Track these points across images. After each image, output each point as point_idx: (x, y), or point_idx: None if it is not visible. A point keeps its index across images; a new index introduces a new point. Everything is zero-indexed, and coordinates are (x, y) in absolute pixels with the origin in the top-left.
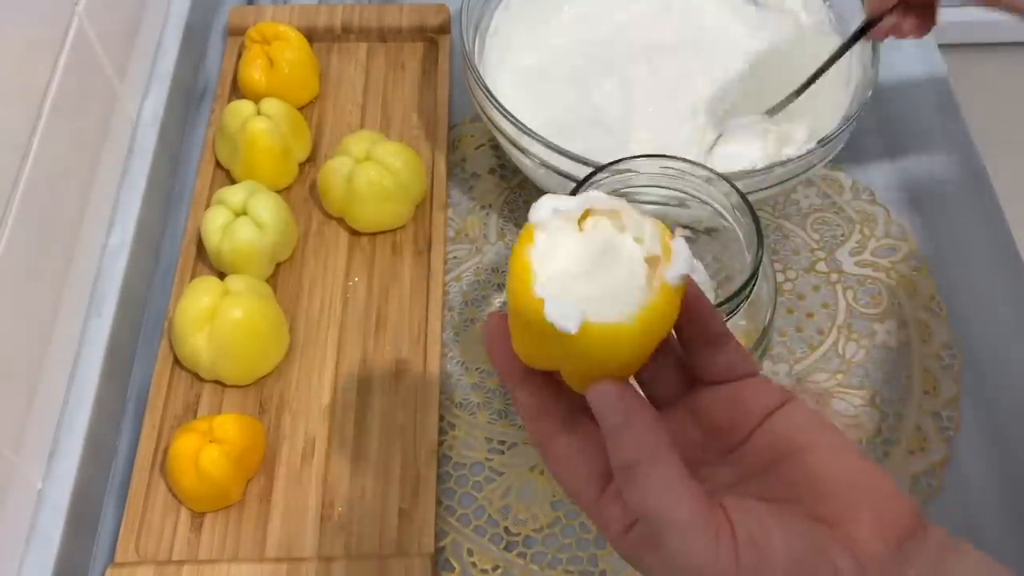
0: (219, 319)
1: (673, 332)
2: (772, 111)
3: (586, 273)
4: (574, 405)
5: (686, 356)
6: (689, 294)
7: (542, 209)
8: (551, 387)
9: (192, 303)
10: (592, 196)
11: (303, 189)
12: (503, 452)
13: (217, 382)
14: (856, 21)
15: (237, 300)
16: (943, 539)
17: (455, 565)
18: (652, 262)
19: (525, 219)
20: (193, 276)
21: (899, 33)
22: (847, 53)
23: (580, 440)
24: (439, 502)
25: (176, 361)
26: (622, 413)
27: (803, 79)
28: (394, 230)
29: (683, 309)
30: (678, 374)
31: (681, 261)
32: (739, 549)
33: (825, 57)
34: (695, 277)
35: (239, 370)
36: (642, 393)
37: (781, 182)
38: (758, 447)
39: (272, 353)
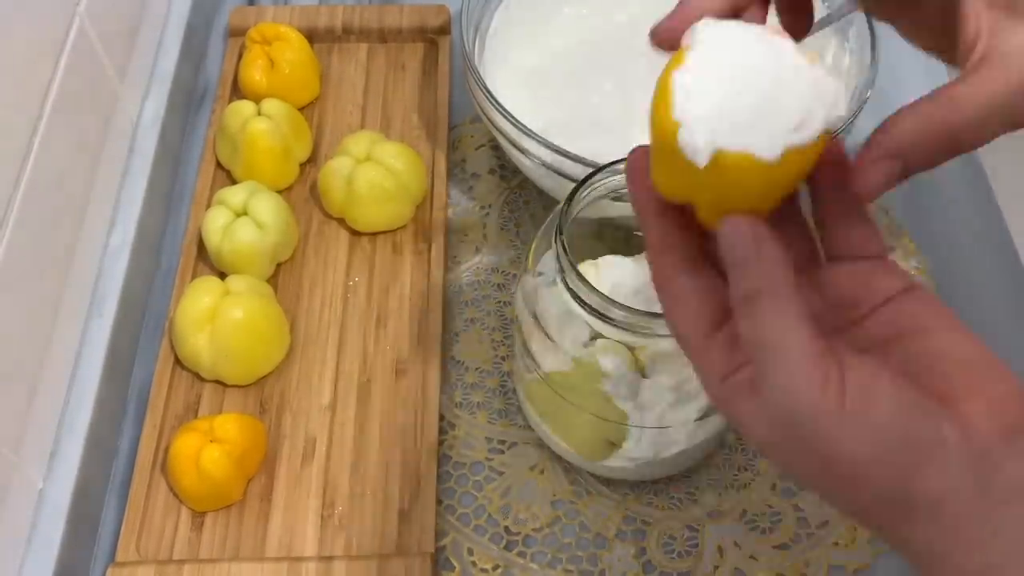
0: (220, 319)
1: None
2: None
3: (735, 96)
4: (701, 248)
5: (818, 225)
6: (834, 151)
7: (700, 27)
8: (682, 224)
9: (193, 303)
10: (756, 26)
11: (304, 189)
12: (503, 452)
13: (218, 382)
14: (856, 21)
15: (238, 300)
16: None
17: (455, 565)
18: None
19: (525, 219)
20: (194, 276)
21: None
22: (847, 55)
23: (700, 282)
24: (439, 502)
25: (177, 361)
26: (752, 244)
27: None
28: (394, 230)
29: (827, 167)
30: (804, 243)
31: (841, 106)
32: (846, 394)
33: (826, 59)
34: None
35: (240, 370)
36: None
37: None
38: (880, 323)
39: (273, 353)
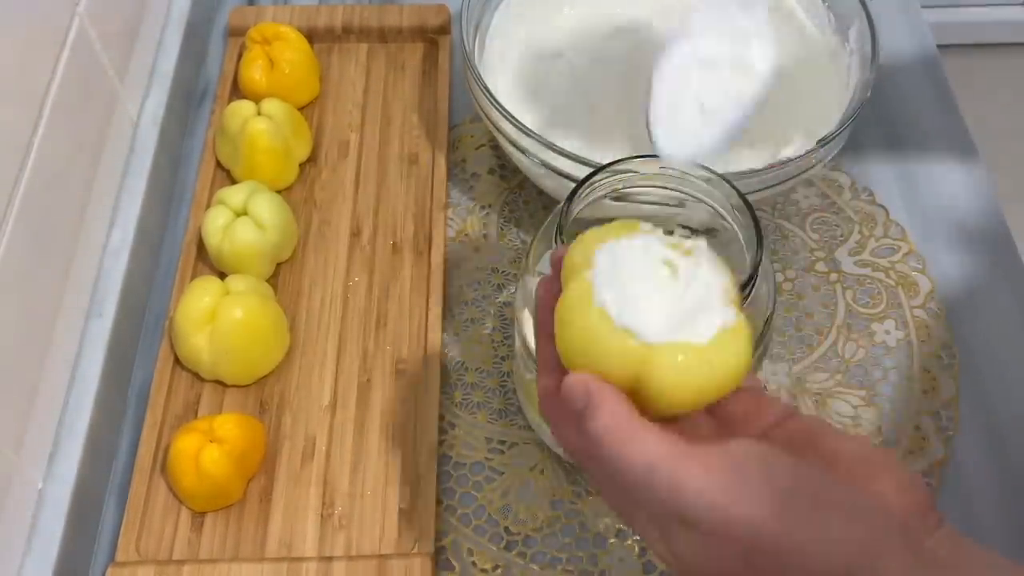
0: (220, 319)
1: None
2: None
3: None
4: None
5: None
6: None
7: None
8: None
9: (193, 303)
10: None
11: (304, 189)
12: (503, 452)
13: (218, 382)
14: (856, 21)
15: (238, 300)
16: (954, 530)
17: (455, 565)
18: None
19: (525, 219)
20: (194, 276)
21: None
22: (847, 55)
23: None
24: (439, 502)
25: (177, 361)
26: (583, 397)
27: (803, 79)
28: (394, 230)
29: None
30: None
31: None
32: (735, 467)
33: (826, 58)
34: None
35: (240, 370)
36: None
37: (781, 182)
38: (773, 439)
39: (273, 353)
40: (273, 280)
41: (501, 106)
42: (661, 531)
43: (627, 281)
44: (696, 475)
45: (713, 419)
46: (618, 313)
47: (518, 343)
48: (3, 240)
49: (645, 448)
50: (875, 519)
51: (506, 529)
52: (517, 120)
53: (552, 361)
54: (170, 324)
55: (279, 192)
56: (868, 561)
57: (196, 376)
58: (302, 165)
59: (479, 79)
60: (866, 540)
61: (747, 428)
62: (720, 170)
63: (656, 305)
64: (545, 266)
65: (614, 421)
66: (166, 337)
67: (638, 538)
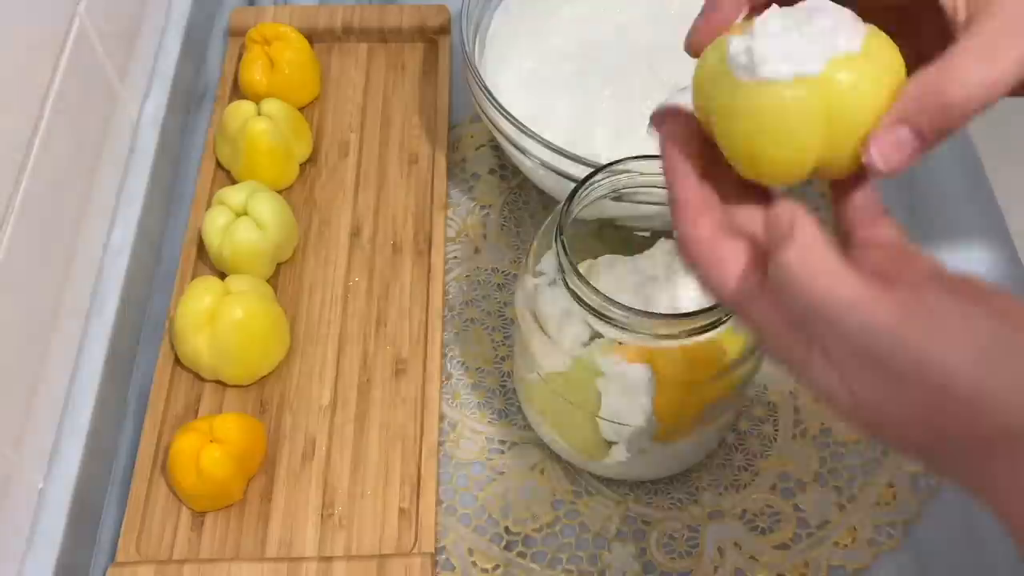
0: (220, 319)
1: None
2: None
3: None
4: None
5: (843, 224)
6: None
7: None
8: (716, 185)
9: (193, 303)
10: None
11: (304, 189)
12: (503, 452)
13: (218, 382)
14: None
15: (238, 300)
16: None
17: (455, 565)
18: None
19: (525, 219)
20: (194, 276)
21: None
22: None
23: (741, 243)
24: (439, 502)
25: (177, 361)
26: (787, 222)
27: None
28: (394, 230)
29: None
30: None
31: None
32: (928, 308)
33: None
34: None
35: (240, 370)
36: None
37: None
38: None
39: (273, 353)
40: (273, 280)
41: (501, 106)
42: (842, 374)
43: (760, 37)
44: (894, 313)
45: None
46: (774, 69)
47: (518, 343)
48: (3, 240)
49: (846, 283)
50: None
51: (506, 529)
52: (517, 120)
53: (697, 202)
54: (170, 324)
55: (279, 192)
56: None
57: (196, 376)
58: (302, 165)
59: (479, 79)
60: None
61: (903, 278)
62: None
63: (793, 43)
64: (545, 266)
65: (813, 253)
66: (166, 337)
67: (641, 537)
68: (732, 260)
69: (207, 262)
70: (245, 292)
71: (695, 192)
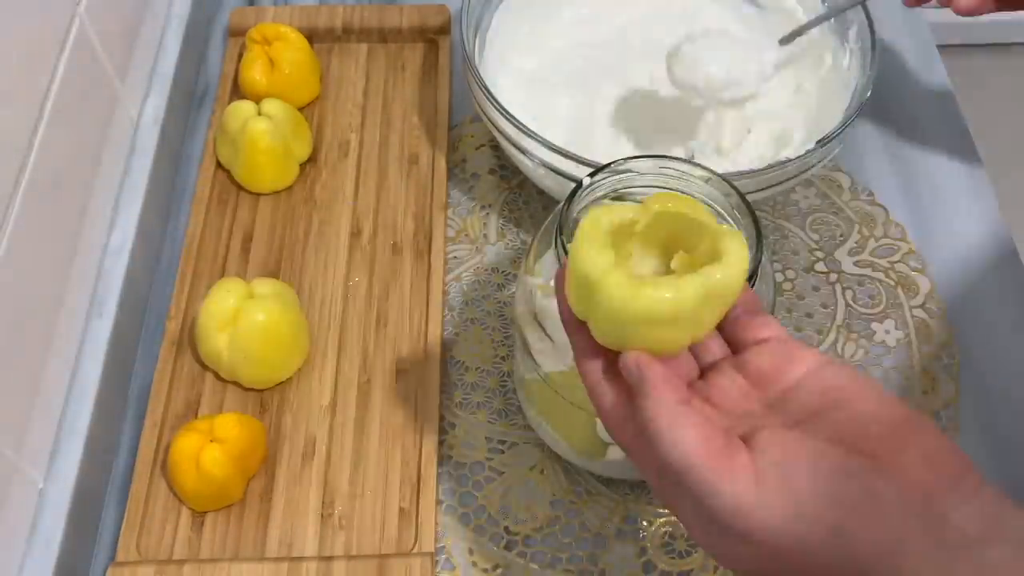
0: (241, 322)
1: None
2: (785, 39)
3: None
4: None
5: (729, 334)
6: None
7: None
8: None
9: (217, 303)
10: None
11: (304, 189)
12: (503, 452)
13: (229, 383)
14: (855, 21)
15: (261, 304)
16: (999, 492)
17: (455, 565)
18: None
19: (525, 219)
20: (194, 277)
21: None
22: (847, 55)
23: (622, 388)
24: (439, 502)
25: (177, 360)
26: (636, 374)
27: (802, 79)
28: (395, 230)
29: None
30: (721, 341)
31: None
32: (759, 479)
33: (826, 59)
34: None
35: (257, 374)
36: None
37: (780, 182)
38: (807, 393)
39: (291, 359)
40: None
41: (501, 106)
42: (702, 527)
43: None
44: (726, 480)
45: (747, 376)
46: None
47: (518, 343)
48: (3, 240)
49: (685, 442)
50: (892, 509)
51: (506, 529)
52: (517, 120)
53: (589, 347)
54: (193, 322)
55: (279, 192)
56: (885, 561)
57: (196, 376)
58: (302, 165)
59: (479, 79)
60: (881, 539)
61: (780, 380)
62: (720, 170)
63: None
64: (545, 266)
65: (661, 404)
66: (167, 337)
67: (641, 537)
68: (615, 411)
69: (207, 262)
70: (268, 296)
71: (585, 339)
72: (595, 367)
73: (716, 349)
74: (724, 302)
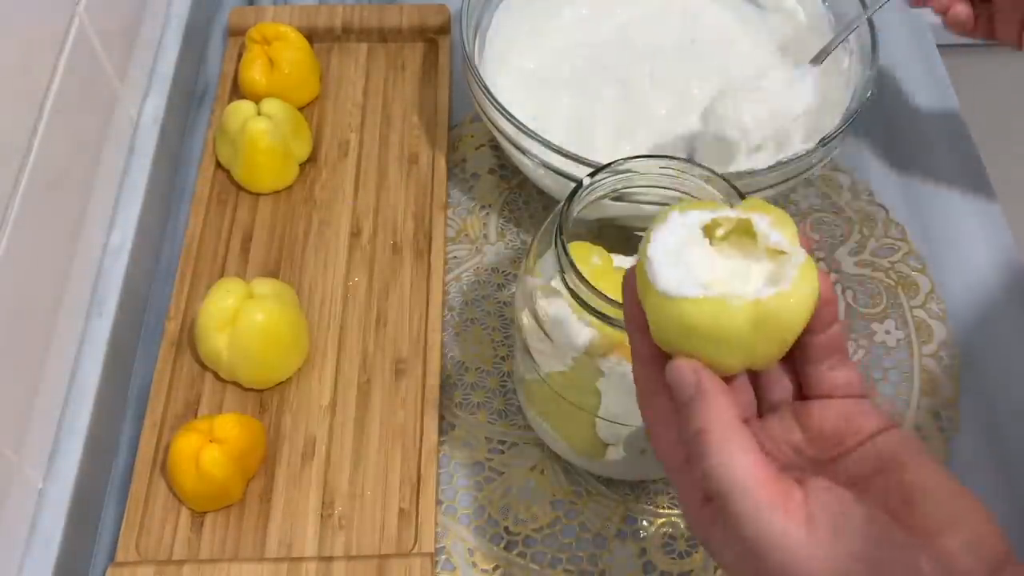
0: (241, 322)
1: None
2: (816, 59)
3: (711, 264)
4: None
5: (801, 366)
6: (823, 298)
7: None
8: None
9: (216, 303)
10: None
11: (304, 189)
12: (503, 452)
13: (231, 382)
14: (855, 21)
15: (260, 305)
16: None
17: (455, 565)
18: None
19: (525, 219)
20: (193, 277)
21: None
22: (847, 55)
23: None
24: (439, 502)
25: (177, 360)
26: (693, 387)
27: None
28: (395, 230)
29: (817, 310)
30: (789, 381)
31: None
32: (814, 519)
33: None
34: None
35: (256, 374)
36: (751, 391)
37: (781, 182)
38: (861, 459)
39: (291, 360)
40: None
41: (501, 106)
42: (737, 559)
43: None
44: (778, 510)
45: (805, 431)
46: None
47: (518, 343)
48: (3, 240)
49: (739, 461)
50: None
51: (506, 529)
52: (517, 120)
53: (645, 353)
54: (193, 322)
55: (278, 192)
56: None
57: (197, 376)
58: (302, 165)
59: (479, 79)
60: None
61: (839, 445)
62: (720, 170)
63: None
64: (545, 266)
65: (717, 417)
66: (166, 336)
67: (641, 537)
68: (666, 432)
69: (207, 262)
70: (268, 296)
71: (645, 343)
72: (648, 375)
73: (779, 389)
74: (782, 334)
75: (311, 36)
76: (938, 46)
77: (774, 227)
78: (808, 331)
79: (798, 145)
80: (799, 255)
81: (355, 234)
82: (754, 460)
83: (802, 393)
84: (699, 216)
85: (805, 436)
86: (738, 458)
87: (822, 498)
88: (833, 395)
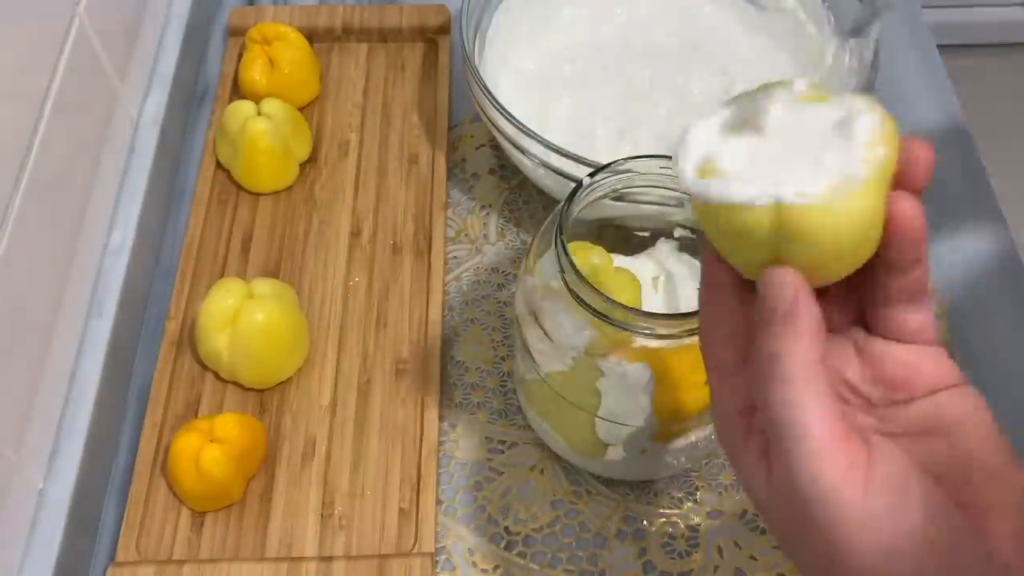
0: (241, 321)
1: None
2: (854, 31)
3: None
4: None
5: (879, 300)
6: (904, 214)
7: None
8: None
9: (216, 303)
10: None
11: (304, 189)
12: (503, 452)
13: (229, 382)
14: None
15: (260, 305)
16: None
17: (455, 565)
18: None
19: (525, 219)
20: (194, 277)
21: None
22: (847, 55)
23: (743, 308)
24: (439, 502)
25: (177, 360)
26: (788, 301)
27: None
28: (395, 230)
29: (894, 234)
30: (852, 305)
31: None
32: (870, 486)
33: (826, 59)
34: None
35: (257, 374)
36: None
37: None
38: (919, 412)
39: (291, 360)
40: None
41: (501, 106)
42: (778, 509)
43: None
44: (839, 467)
45: (863, 371)
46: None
47: (518, 343)
48: (3, 240)
49: (810, 409)
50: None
51: (506, 529)
52: (517, 120)
53: (709, 274)
54: (193, 322)
55: (278, 192)
56: None
57: (196, 376)
58: (302, 165)
59: (479, 79)
60: None
61: (903, 390)
62: None
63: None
64: (545, 266)
65: (800, 350)
66: (166, 336)
67: (641, 537)
68: (717, 322)
69: (207, 263)
70: (268, 296)
71: (710, 267)
72: (715, 269)
73: (838, 311)
74: (820, 252)
75: (311, 36)
76: (938, 46)
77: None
78: (886, 265)
79: None
80: (871, 157)
81: (355, 234)
82: (829, 411)
83: (866, 325)
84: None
85: (863, 373)
86: (812, 402)
87: (886, 468)
88: (902, 339)
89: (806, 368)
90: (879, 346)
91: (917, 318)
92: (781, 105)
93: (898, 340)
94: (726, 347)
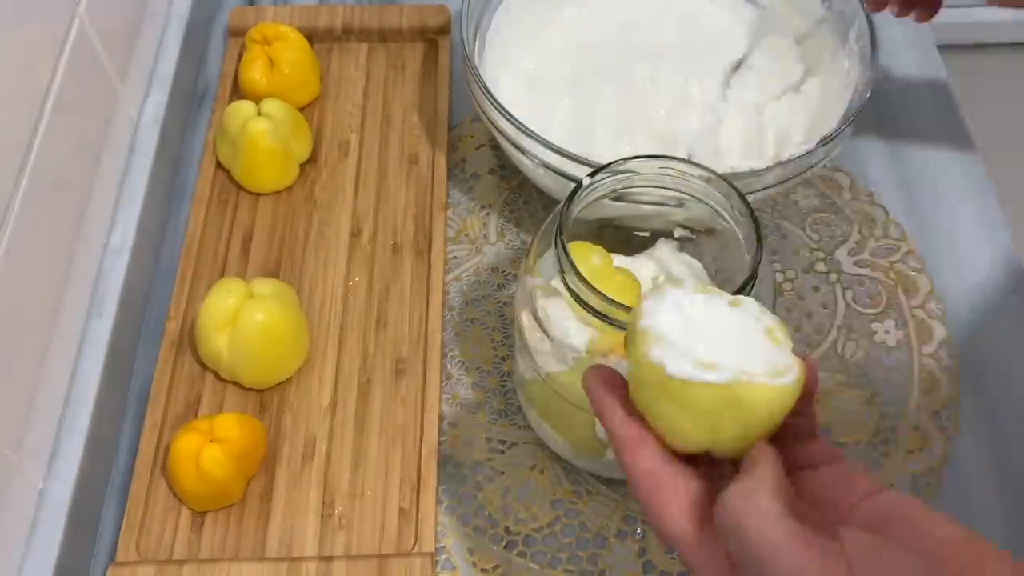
0: (241, 321)
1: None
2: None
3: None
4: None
5: (781, 445)
6: (807, 388)
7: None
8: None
9: (217, 303)
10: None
11: (304, 189)
12: (503, 452)
13: (231, 382)
14: (855, 21)
15: (260, 305)
16: None
17: (455, 565)
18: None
19: (525, 219)
20: (194, 277)
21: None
22: (847, 55)
23: (686, 471)
24: (439, 502)
25: (177, 361)
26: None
27: (801, 79)
28: (395, 230)
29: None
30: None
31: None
32: (851, 570)
33: (826, 59)
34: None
35: (257, 374)
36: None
37: (781, 182)
38: (865, 515)
39: (291, 359)
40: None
41: (501, 106)
42: None
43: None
44: (816, 561)
45: (803, 499)
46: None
47: (518, 343)
48: (3, 240)
49: (778, 527)
50: None
51: (506, 529)
52: (517, 120)
53: (633, 435)
54: (193, 322)
55: (279, 192)
56: None
57: (197, 376)
58: (302, 165)
59: (479, 79)
60: None
61: (838, 505)
62: (720, 170)
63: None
64: (545, 266)
65: (756, 497)
66: (166, 337)
67: (638, 537)
68: (674, 495)
69: (207, 263)
70: (268, 296)
71: (628, 427)
72: (651, 454)
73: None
74: (758, 420)
75: (311, 36)
76: (938, 46)
77: (767, 316)
78: (794, 414)
79: (798, 145)
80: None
81: (355, 234)
82: (792, 523)
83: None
84: (699, 296)
85: (805, 504)
86: (773, 522)
87: (859, 546)
88: (817, 465)
89: (772, 492)
90: (805, 478)
91: (817, 446)
92: (701, 298)
93: (813, 467)
94: (693, 513)
